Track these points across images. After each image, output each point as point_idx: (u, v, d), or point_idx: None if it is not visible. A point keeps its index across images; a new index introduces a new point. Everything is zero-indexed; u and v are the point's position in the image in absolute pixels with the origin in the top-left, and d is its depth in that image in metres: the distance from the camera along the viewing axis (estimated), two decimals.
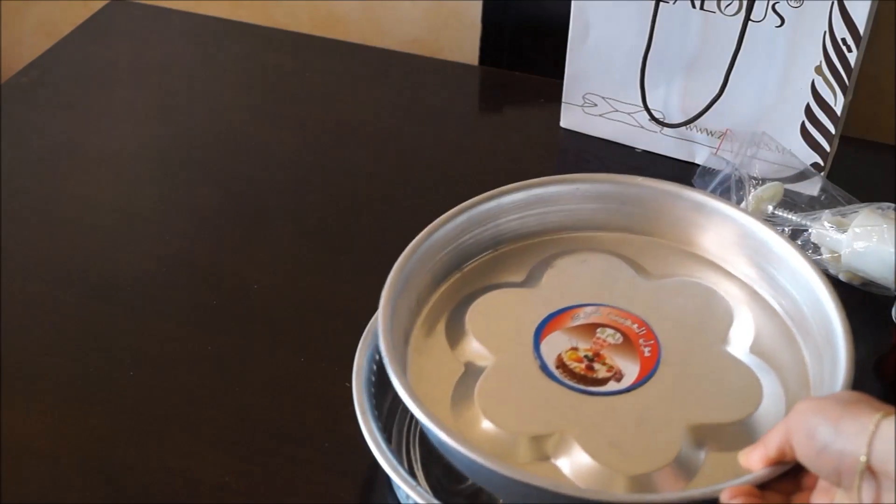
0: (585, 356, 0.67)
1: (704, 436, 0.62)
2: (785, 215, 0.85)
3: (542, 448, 0.62)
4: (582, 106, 0.99)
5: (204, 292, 0.84)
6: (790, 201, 0.87)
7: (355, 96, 1.08)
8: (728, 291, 0.72)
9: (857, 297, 0.82)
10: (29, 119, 1.04)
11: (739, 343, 0.69)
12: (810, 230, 0.83)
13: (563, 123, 1.02)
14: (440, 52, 1.33)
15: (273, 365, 0.78)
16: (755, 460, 0.56)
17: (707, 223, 0.74)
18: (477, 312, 0.69)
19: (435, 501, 0.60)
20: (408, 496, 0.61)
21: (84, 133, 1.03)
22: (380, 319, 0.64)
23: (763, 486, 0.56)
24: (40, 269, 0.86)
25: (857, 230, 0.80)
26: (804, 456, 0.53)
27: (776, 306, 0.71)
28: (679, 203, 0.75)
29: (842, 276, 0.83)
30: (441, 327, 0.69)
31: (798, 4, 0.86)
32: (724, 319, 0.70)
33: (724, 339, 0.69)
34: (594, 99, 0.98)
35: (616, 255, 0.74)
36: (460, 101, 1.11)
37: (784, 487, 0.56)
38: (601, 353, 0.67)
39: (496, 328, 0.69)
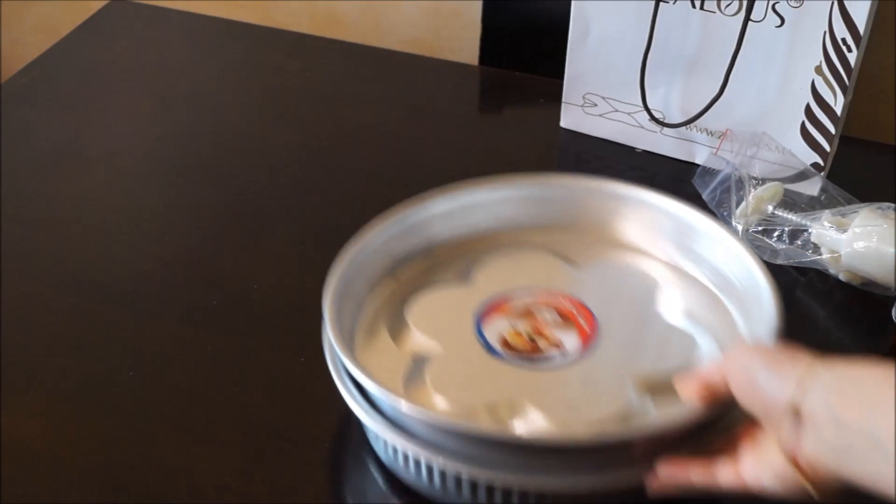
0: (527, 334, 0.71)
1: (650, 388, 0.67)
2: (785, 215, 0.85)
3: (499, 414, 0.65)
4: (582, 106, 0.99)
5: (204, 292, 0.84)
6: (790, 201, 0.87)
7: (355, 96, 1.08)
8: (653, 268, 0.77)
9: (857, 297, 0.82)
10: (29, 119, 1.04)
11: (670, 311, 0.73)
12: (810, 230, 0.83)
13: (563, 123, 1.02)
14: (440, 52, 1.33)
15: (273, 365, 0.78)
16: (691, 390, 0.60)
17: (626, 211, 0.79)
18: (416, 308, 0.73)
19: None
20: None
21: (84, 133, 1.03)
22: (326, 315, 0.67)
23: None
24: (40, 269, 0.86)
25: (857, 230, 0.80)
26: (739, 392, 0.57)
27: (699, 276, 0.76)
28: (597, 195, 0.79)
29: (842, 276, 0.83)
30: (382, 326, 0.73)
31: (798, 4, 0.86)
32: (653, 292, 0.75)
33: (656, 309, 0.74)
34: (594, 99, 0.98)
35: (543, 249, 0.78)
36: (460, 101, 1.11)
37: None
38: (542, 330, 0.71)
39: (437, 320, 0.72)
